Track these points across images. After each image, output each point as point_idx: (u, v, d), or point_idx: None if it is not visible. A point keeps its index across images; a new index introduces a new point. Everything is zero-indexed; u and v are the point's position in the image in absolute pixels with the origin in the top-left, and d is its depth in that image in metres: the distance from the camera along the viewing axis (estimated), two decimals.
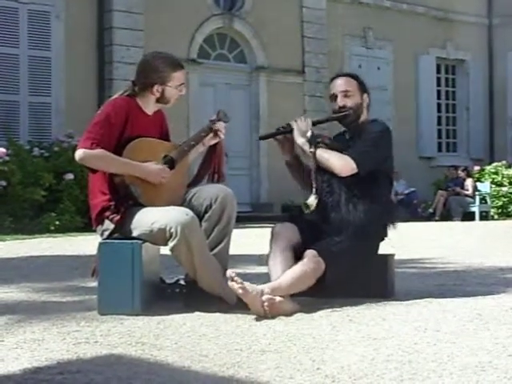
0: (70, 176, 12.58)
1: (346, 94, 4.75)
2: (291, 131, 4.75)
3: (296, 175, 4.88)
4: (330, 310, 4.30)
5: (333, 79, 4.87)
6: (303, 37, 17.97)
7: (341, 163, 4.61)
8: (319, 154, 4.65)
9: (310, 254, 4.42)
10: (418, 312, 4.22)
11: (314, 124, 4.80)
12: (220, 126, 4.70)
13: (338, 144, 4.79)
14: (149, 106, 4.55)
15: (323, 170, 4.66)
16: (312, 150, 4.64)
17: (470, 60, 21.40)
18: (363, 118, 4.81)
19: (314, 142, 4.66)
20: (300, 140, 4.69)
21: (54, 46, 14.81)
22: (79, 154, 4.31)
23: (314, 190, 4.63)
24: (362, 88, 4.81)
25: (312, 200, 4.61)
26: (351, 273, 4.58)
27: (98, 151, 4.28)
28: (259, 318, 4.11)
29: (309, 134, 4.68)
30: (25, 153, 12.93)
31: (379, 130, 4.76)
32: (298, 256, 4.49)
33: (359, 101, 4.77)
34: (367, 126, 4.77)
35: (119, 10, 15.36)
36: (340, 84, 4.79)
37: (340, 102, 4.76)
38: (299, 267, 4.37)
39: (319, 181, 4.66)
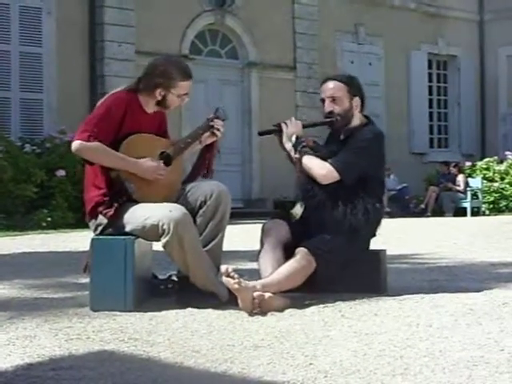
0: (62, 172, 12.52)
1: (333, 100, 4.69)
2: (281, 132, 4.73)
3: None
4: (322, 305, 4.30)
5: (324, 82, 4.80)
6: (295, 33, 17.96)
7: (323, 173, 4.58)
8: (303, 163, 4.62)
9: (301, 251, 4.42)
10: (410, 307, 4.22)
11: (304, 127, 4.77)
12: (218, 123, 4.65)
13: (323, 147, 4.78)
14: (149, 105, 4.53)
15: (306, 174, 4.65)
16: (297, 156, 4.62)
17: (461, 56, 21.42)
18: (356, 121, 4.73)
19: (298, 146, 4.64)
20: (287, 145, 4.68)
21: (45, 42, 14.76)
22: (75, 145, 4.31)
23: (299, 197, 4.63)
24: (353, 91, 4.71)
25: (298, 209, 4.61)
26: (343, 269, 4.58)
27: (95, 144, 4.27)
28: (251, 313, 4.11)
29: (293, 138, 4.65)
30: (16, 149, 12.89)
31: (368, 138, 4.67)
32: (288, 252, 4.50)
33: (347, 106, 4.68)
34: (359, 132, 4.69)
35: (110, 6, 15.31)
36: (328, 89, 4.71)
37: (327, 107, 4.71)
38: (290, 264, 4.38)
39: (303, 184, 4.65)
